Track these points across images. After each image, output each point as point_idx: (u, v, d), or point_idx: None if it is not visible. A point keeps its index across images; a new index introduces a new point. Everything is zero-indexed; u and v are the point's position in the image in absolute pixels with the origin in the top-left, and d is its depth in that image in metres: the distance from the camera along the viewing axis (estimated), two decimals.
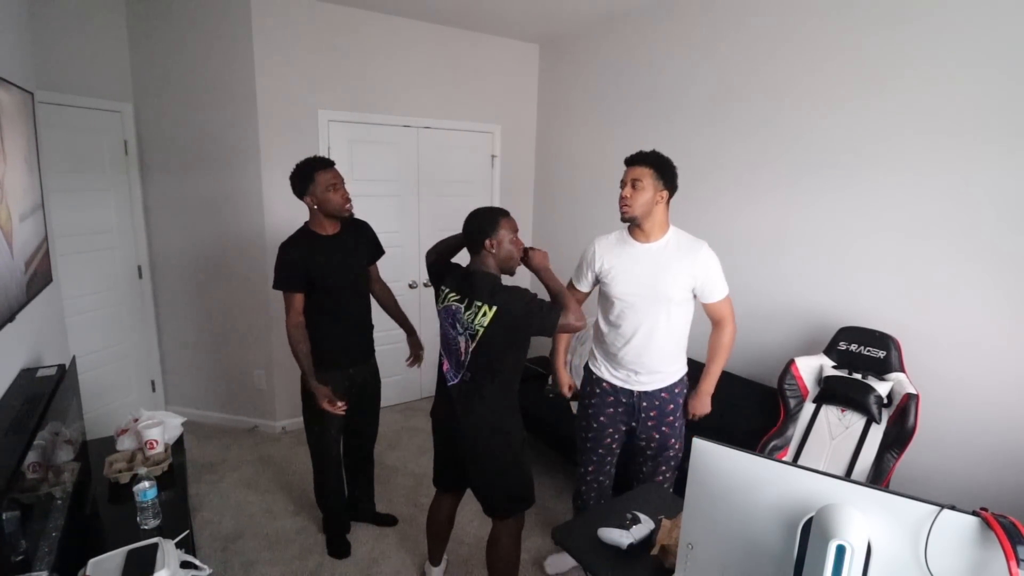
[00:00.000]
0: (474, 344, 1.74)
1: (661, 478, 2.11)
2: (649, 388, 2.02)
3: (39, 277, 2.00)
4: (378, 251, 2.40)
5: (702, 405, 2.08)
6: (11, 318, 1.63)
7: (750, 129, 2.67)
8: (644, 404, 2.03)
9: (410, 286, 3.81)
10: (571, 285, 2.17)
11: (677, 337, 2.00)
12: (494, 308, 1.69)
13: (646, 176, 1.87)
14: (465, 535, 2.52)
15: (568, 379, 2.28)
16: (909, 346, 2.11)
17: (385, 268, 3.61)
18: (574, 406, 3.12)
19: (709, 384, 2.07)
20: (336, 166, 2.15)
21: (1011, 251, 1.90)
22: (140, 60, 3.19)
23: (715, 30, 2.79)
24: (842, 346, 2.22)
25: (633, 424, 2.08)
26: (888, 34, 2.14)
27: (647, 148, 1.95)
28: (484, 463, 1.85)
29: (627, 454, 2.19)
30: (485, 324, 1.70)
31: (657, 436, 2.05)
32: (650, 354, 1.98)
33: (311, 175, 2.07)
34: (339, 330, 2.21)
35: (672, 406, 2.04)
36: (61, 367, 1.83)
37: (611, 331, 2.04)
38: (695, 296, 1.98)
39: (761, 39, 2.58)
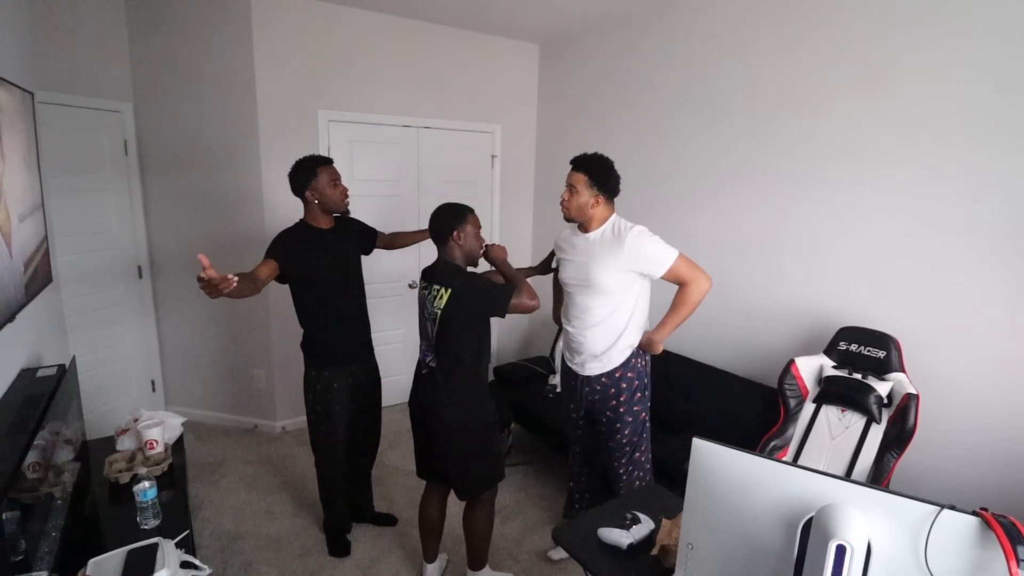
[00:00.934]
0: (436, 327, 1.85)
1: (623, 471, 2.15)
2: (591, 373, 2.11)
3: (39, 277, 2.00)
4: (370, 236, 2.45)
5: (651, 347, 2.09)
6: (11, 318, 1.63)
7: (750, 129, 2.67)
8: (587, 389, 2.14)
9: (410, 286, 3.81)
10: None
11: (613, 325, 2.04)
12: (449, 290, 1.81)
13: (580, 182, 1.98)
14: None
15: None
16: (909, 346, 2.11)
17: (385, 268, 3.60)
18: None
19: (660, 333, 2.05)
20: (334, 164, 2.24)
21: (1011, 251, 1.90)
22: (140, 60, 3.19)
23: (716, 30, 2.79)
24: (842, 346, 2.22)
25: (586, 408, 2.18)
26: (889, 35, 2.14)
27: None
28: (452, 447, 1.92)
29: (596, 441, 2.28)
30: (442, 307, 1.82)
31: (604, 420, 2.13)
32: (587, 340, 2.07)
33: (314, 170, 2.15)
34: (337, 326, 2.24)
35: (614, 390, 2.08)
36: (61, 367, 1.83)
37: (564, 316, 2.19)
38: (647, 277, 2.00)
39: (762, 39, 2.58)
